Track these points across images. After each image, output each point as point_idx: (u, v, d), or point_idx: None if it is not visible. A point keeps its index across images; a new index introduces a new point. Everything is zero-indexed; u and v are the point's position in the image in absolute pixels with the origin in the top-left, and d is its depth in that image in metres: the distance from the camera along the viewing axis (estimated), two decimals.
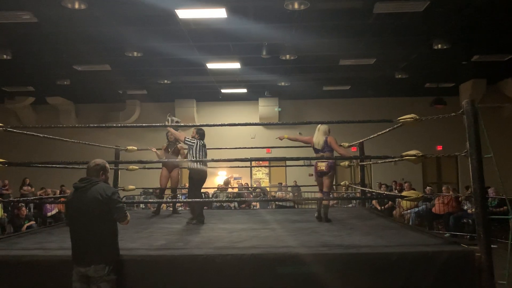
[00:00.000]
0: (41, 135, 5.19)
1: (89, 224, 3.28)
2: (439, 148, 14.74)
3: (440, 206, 9.85)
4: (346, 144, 7.57)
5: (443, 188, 10.66)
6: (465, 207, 9.76)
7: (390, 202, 11.10)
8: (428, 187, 11.80)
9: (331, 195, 6.20)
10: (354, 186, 9.01)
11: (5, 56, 9.47)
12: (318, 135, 5.97)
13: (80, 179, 3.38)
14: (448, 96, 13.84)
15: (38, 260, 3.58)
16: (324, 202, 5.87)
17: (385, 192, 9.38)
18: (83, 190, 3.33)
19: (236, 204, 11.38)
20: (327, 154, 5.87)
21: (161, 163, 7.41)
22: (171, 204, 7.81)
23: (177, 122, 6.47)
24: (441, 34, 9.13)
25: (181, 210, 8.30)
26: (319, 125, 6.05)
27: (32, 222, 9.74)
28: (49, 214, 10.05)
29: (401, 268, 3.51)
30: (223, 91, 14.52)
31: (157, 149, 7.49)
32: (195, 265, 3.53)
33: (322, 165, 5.84)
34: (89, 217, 3.28)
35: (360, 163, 7.77)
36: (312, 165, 7.71)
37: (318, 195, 6.17)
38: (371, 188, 11.42)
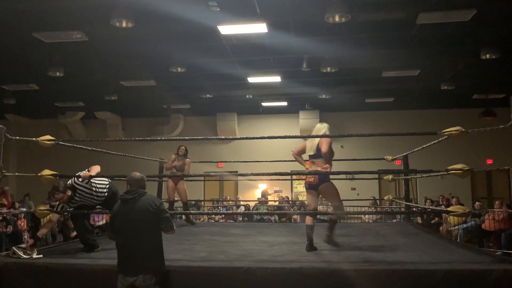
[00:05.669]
0: (89, 148, 5.42)
1: (138, 234, 3.36)
2: (489, 161, 14.09)
3: (490, 222, 9.39)
4: (389, 158, 7.42)
5: (496, 203, 10.16)
6: None
7: (436, 218, 10.70)
8: (477, 202, 11.28)
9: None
10: (399, 201, 8.78)
11: (58, 73, 9.99)
12: (313, 138, 4.90)
13: (127, 191, 3.49)
14: (498, 107, 13.26)
15: (86, 268, 3.74)
16: (333, 216, 4.86)
17: (430, 207, 9.08)
18: (131, 202, 3.42)
19: (276, 217, 11.34)
20: (319, 161, 4.76)
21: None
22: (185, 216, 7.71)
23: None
24: (489, 43, 8.80)
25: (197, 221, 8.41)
26: (317, 124, 5.07)
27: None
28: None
29: (448, 286, 3.38)
30: (263, 104, 14.63)
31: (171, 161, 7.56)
32: (237, 278, 3.56)
33: (311, 176, 4.77)
34: (139, 227, 3.36)
35: (405, 177, 7.57)
36: (354, 179, 7.44)
37: (307, 218, 4.79)
38: (416, 202, 11.08)
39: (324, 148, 4.64)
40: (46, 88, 11.89)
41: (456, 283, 3.37)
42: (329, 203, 4.94)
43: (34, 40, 8.37)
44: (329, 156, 4.71)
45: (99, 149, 5.68)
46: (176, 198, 7.49)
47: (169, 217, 3.48)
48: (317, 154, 4.77)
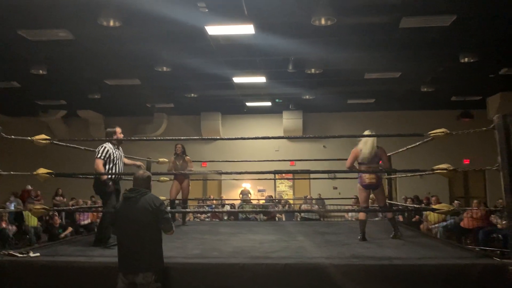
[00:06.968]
0: (83, 147, 5.44)
1: (138, 233, 3.42)
2: (466, 161, 14.52)
3: (468, 220, 9.72)
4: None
5: (474, 202, 10.52)
6: (495, 221, 9.60)
7: (417, 216, 11.01)
8: (456, 201, 11.65)
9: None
10: None
11: (40, 72, 9.87)
12: (370, 146, 5.41)
13: (130, 190, 3.54)
14: (475, 109, 13.69)
15: (84, 266, 3.77)
16: (389, 215, 5.61)
17: (415, 205, 9.36)
18: (133, 200, 3.48)
19: (262, 215, 11.48)
20: (376, 166, 5.45)
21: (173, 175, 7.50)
22: (182, 215, 7.87)
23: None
24: (468, 48, 9.12)
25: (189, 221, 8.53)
26: (367, 135, 5.49)
27: (69, 230, 9.99)
28: (82, 223, 10.35)
29: (435, 280, 3.55)
30: (248, 104, 14.73)
31: (166, 161, 7.67)
32: (232, 273, 3.65)
33: (372, 177, 5.39)
34: (139, 226, 3.43)
35: (388, 177, 7.78)
36: (336, 178, 7.58)
37: (361, 214, 5.47)
38: (396, 201, 11.34)
39: (387, 164, 5.63)
40: (28, 86, 11.73)
41: (443, 277, 3.55)
42: (379, 203, 5.73)
43: (19, 38, 8.26)
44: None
45: (91, 149, 5.67)
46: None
47: (168, 217, 3.54)
48: (374, 159, 5.44)
